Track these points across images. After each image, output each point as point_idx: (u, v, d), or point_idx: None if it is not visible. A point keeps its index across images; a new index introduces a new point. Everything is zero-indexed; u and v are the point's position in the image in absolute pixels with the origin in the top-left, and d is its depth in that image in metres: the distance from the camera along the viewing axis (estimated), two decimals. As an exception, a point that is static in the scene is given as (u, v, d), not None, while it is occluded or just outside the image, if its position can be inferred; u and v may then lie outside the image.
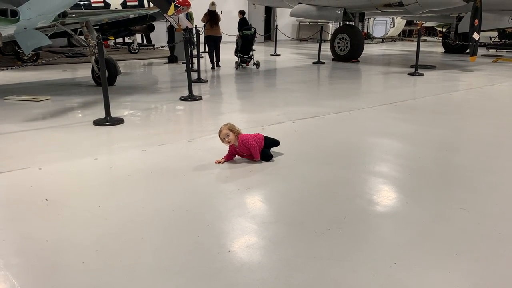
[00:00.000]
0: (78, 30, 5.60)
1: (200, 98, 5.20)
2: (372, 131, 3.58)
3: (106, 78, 3.86)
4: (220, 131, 2.72)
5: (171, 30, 9.43)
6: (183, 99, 5.15)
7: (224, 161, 2.73)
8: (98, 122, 3.77)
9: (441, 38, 13.19)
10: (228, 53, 9.59)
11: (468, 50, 10.61)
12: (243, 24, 8.71)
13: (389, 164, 2.73)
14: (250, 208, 2.07)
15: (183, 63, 8.88)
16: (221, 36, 8.20)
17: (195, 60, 7.64)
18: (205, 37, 8.20)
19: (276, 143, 2.89)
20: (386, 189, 2.33)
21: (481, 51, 11.70)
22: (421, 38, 7.41)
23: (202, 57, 9.83)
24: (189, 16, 9.75)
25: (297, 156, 2.87)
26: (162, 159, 2.82)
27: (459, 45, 10.86)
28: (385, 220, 1.97)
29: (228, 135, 2.68)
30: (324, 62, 9.36)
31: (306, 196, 2.23)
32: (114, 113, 4.08)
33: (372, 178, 2.49)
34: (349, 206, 2.11)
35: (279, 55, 11.08)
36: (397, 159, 2.83)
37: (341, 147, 3.12)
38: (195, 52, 8.09)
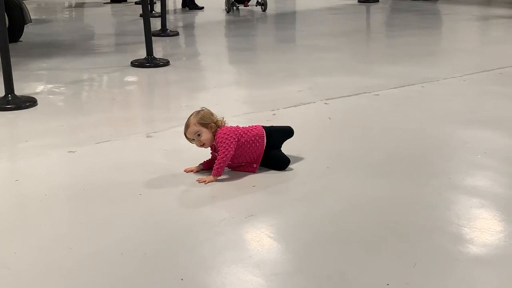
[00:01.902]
0: None
1: (166, 63, 5.22)
2: (459, 117, 3.59)
3: (6, 29, 3.90)
4: (186, 127, 2.72)
5: None
6: (137, 64, 5.17)
7: (200, 170, 2.75)
8: (-7, 105, 3.95)
9: None
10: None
11: None
12: None
13: (490, 173, 2.74)
14: (252, 250, 2.08)
15: (136, 3, 8.92)
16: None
17: (157, -2, 7.74)
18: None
19: (287, 132, 2.89)
20: (484, 217, 2.32)
21: None
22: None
23: (170, -8, 9.92)
24: None
25: (332, 161, 2.89)
26: (103, 167, 2.85)
27: None
28: (483, 268, 1.96)
29: (199, 134, 2.69)
30: (377, 0, 9.40)
31: (348, 228, 2.23)
32: (21, 90, 4.10)
33: (461, 197, 2.50)
34: (421, 246, 2.10)
35: (301, -13, 11.38)
36: (503, 164, 2.84)
37: (406, 146, 3.14)
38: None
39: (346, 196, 2.51)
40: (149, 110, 4.02)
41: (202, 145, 2.71)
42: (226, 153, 2.64)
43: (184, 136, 2.77)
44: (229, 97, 4.13)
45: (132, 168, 2.83)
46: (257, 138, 2.74)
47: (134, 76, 4.77)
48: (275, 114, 3.67)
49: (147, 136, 3.30)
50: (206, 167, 2.77)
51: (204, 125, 2.68)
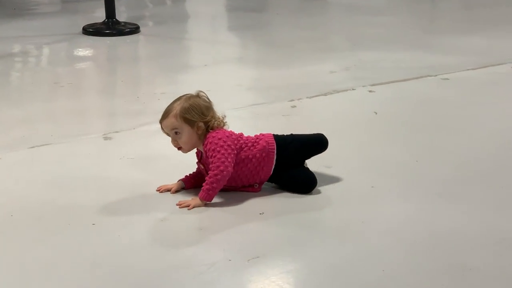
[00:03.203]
0: None
1: (134, 30, 5.26)
2: None
3: None
4: (164, 115, 2.69)
5: None
6: (92, 31, 5.21)
7: (180, 189, 2.76)
8: None
9: None
10: None
11: None
12: None
13: None
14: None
15: None
16: None
17: None
18: None
19: (316, 143, 2.85)
20: None
21: None
22: None
23: None
24: None
25: (378, 177, 2.89)
26: (39, 184, 2.84)
27: None
28: None
29: (177, 132, 2.67)
30: None
31: (399, 275, 2.20)
32: None
33: None
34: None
35: None
36: None
37: (488, 154, 3.13)
38: None
39: (397, 229, 2.47)
40: (109, 100, 4.00)
41: (180, 148, 2.70)
42: (222, 168, 2.59)
43: (161, 130, 2.72)
44: (227, 80, 4.13)
45: (82, 185, 2.81)
46: (263, 154, 2.71)
47: (88, 49, 4.75)
48: (295, 106, 3.67)
49: (105, 138, 3.31)
50: (189, 185, 2.75)
51: (188, 121, 2.64)
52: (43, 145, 3.20)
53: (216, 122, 2.68)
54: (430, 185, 2.81)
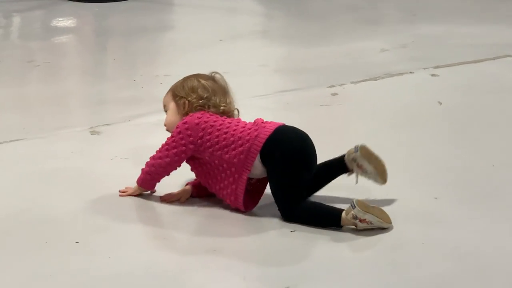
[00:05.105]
0: None
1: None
2: None
3: None
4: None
5: None
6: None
7: (188, 197, 2.78)
8: None
9: None
10: None
11: None
12: None
13: None
14: None
15: None
16: None
17: None
18: None
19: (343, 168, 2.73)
20: None
21: None
22: None
23: None
24: None
25: (443, 187, 2.90)
26: (9, 189, 2.87)
27: None
28: None
29: (166, 110, 2.80)
30: None
31: None
32: None
33: None
34: None
35: None
36: None
37: None
38: None
39: (467, 252, 2.44)
40: (97, 84, 4.03)
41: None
42: (158, 158, 2.67)
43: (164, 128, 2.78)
44: (248, 60, 4.16)
45: (63, 192, 2.82)
46: (228, 147, 2.61)
47: (70, 18, 4.77)
48: (336, 93, 3.65)
49: (92, 133, 3.34)
50: (198, 192, 2.78)
51: (175, 97, 2.75)
52: (12, 140, 3.23)
53: (199, 102, 2.70)
54: (509, 197, 2.77)
